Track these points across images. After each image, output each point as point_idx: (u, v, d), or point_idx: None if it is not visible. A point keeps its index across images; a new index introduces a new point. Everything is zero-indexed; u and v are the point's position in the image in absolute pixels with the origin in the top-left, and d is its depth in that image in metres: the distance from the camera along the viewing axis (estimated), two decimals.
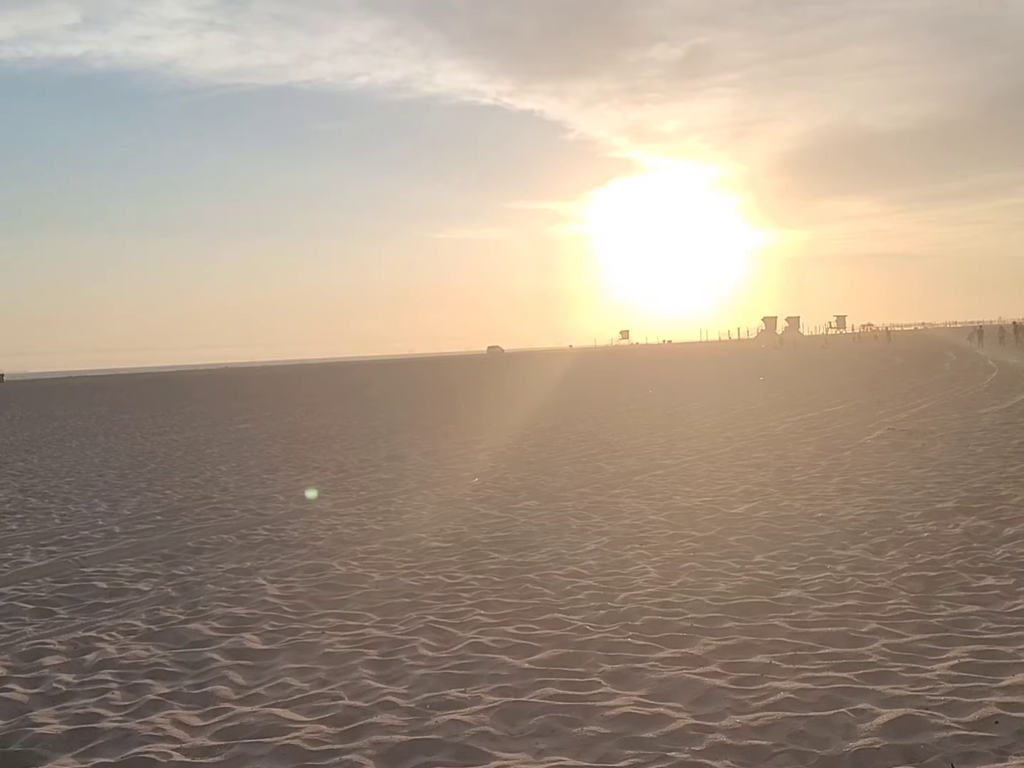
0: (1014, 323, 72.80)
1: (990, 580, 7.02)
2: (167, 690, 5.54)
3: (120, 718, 5.11)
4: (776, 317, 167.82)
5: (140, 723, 4.99)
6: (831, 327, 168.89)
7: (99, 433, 27.63)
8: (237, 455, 19.16)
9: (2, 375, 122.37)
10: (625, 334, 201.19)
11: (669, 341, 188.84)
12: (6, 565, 9.36)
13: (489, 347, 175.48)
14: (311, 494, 13.40)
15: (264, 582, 8.11)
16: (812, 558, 8.00)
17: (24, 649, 6.44)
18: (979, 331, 68.26)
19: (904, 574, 7.33)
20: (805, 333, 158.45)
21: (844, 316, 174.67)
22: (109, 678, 5.79)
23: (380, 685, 5.43)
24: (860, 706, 4.75)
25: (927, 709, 4.65)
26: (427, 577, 8.03)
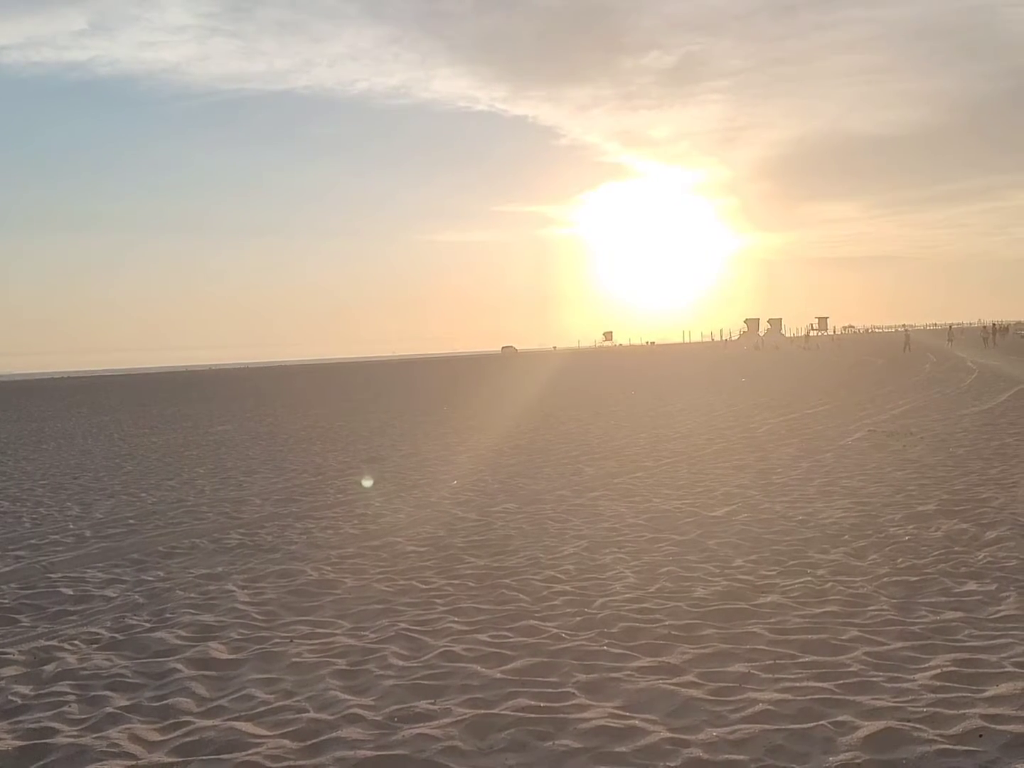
0: (992, 324, 74.32)
1: (972, 585, 6.91)
2: (126, 703, 5.35)
3: (75, 733, 4.91)
4: (758, 319, 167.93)
5: (95, 738, 4.80)
6: (813, 328, 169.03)
7: (77, 435, 27.28)
8: (215, 457, 18.91)
9: None
10: (609, 335, 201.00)
11: (652, 343, 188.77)
12: None
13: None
14: (367, 483, 13.86)
15: (234, 588, 7.92)
16: (792, 562, 7.88)
17: None
18: (951, 331, 72.59)
19: (885, 579, 7.21)
20: (787, 335, 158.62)
21: (826, 318, 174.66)
22: (67, 690, 5.59)
23: (347, 697, 5.26)
24: (840, 718, 4.61)
25: (909, 721, 4.51)
26: (401, 583, 7.86)
